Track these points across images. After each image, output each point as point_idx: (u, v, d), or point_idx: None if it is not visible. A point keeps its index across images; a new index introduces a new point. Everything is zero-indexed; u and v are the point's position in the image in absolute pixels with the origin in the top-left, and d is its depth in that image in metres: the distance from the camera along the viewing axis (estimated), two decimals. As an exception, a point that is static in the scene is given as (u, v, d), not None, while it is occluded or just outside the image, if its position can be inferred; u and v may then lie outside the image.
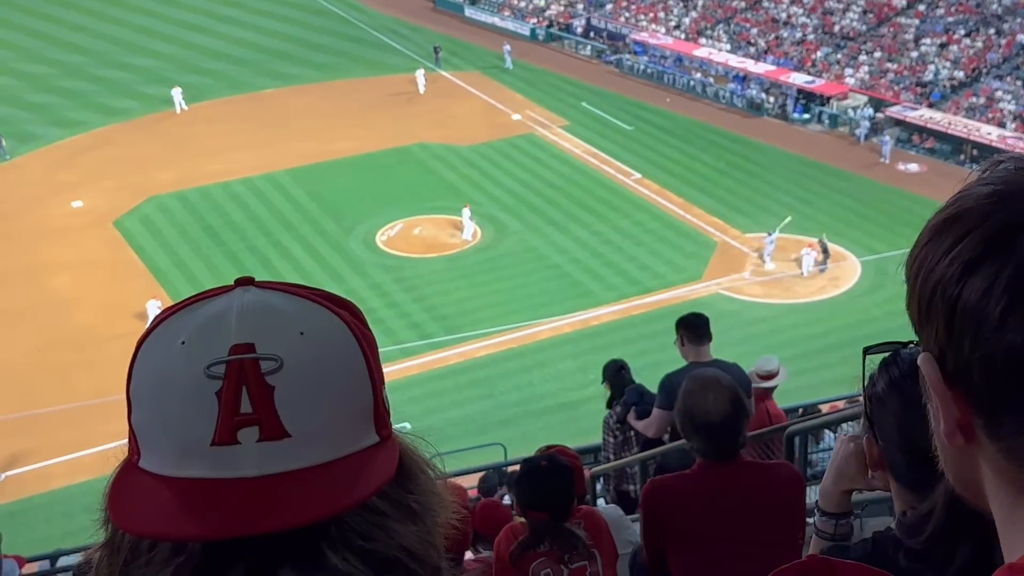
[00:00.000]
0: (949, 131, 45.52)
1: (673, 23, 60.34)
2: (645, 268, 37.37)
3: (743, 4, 59.55)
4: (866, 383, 2.69)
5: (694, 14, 60.47)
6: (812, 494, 5.09)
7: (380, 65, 57.69)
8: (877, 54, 52.75)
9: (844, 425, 7.90)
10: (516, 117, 50.75)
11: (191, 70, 56.90)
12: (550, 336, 33.46)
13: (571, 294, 35.75)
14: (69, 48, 59.75)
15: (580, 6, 64.14)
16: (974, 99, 47.67)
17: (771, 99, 50.72)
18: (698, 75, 54.08)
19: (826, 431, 10.07)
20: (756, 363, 10.04)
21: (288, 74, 56.64)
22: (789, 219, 38.16)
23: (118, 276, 36.87)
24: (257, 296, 1.18)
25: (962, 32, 51.86)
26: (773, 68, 52.86)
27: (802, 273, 36.69)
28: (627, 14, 62.28)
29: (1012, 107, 46.47)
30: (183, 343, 1.14)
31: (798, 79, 51.27)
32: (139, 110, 52.22)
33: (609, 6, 63.40)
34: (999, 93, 47.50)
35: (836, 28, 55.53)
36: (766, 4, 58.72)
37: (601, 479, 10.68)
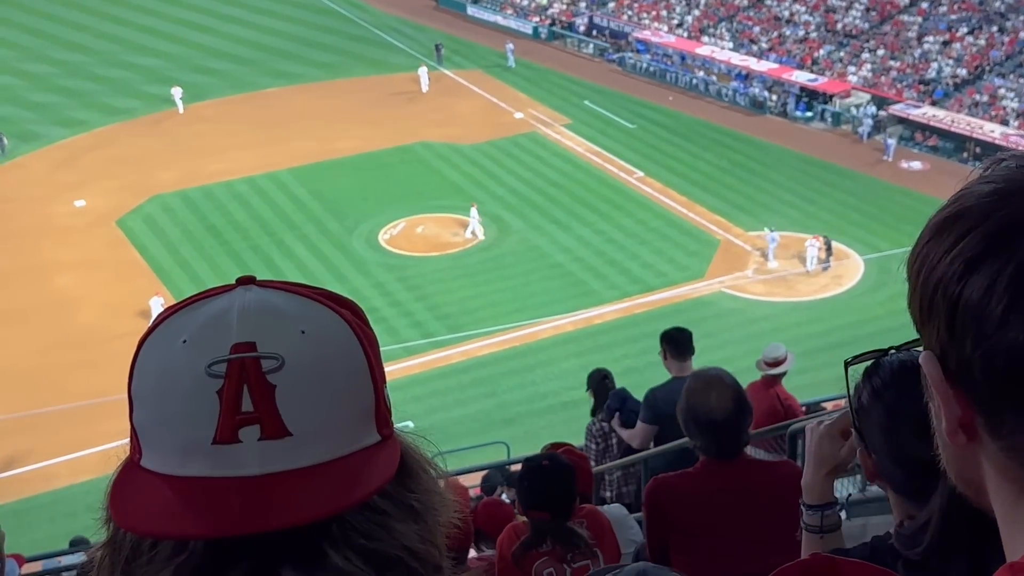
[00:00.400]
0: (952, 129, 45.48)
1: (676, 21, 60.32)
2: (648, 267, 37.35)
3: (745, 2, 59.51)
4: (852, 395, 2.68)
5: (696, 12, 60.43)
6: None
7: (382, 64, 57.69)
8: (880, 52, 52.70)
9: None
10: (519, 116, 50.74)
11: (193, 69, 56.92)
12: (553, 335, 33.46)
13: (574, 293, 35.74)
14: (71, 47, 59.79)
15: (583, 4, 64.12)
16: (977, 97, 47.62)
17: (773, 97, 50.69)
18: (701, 73, 54.05)
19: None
20: (764, 351, 10.17)
21: (290, 73, 56.66)
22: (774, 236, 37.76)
23: (121, 275, 36.89)
24: (258, 295, 1.19)
25: (965, 30, 51.81)
26: (776, 66, 52.83)
27: (807, 269, 36.64)
28: (629, 12, 62.25)
29: (1015, 105, 46.42)
30: (184, 342, 1.15)
31: (801, 77, 51.23)
32: (142, 109, 52.24)
33: (611, 4, 63.37)
34: (1002, 91, 47.45)
35: (839, 26, 55.48)
36: (768, 2, 58.67)
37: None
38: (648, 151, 46.53)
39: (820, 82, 50.76)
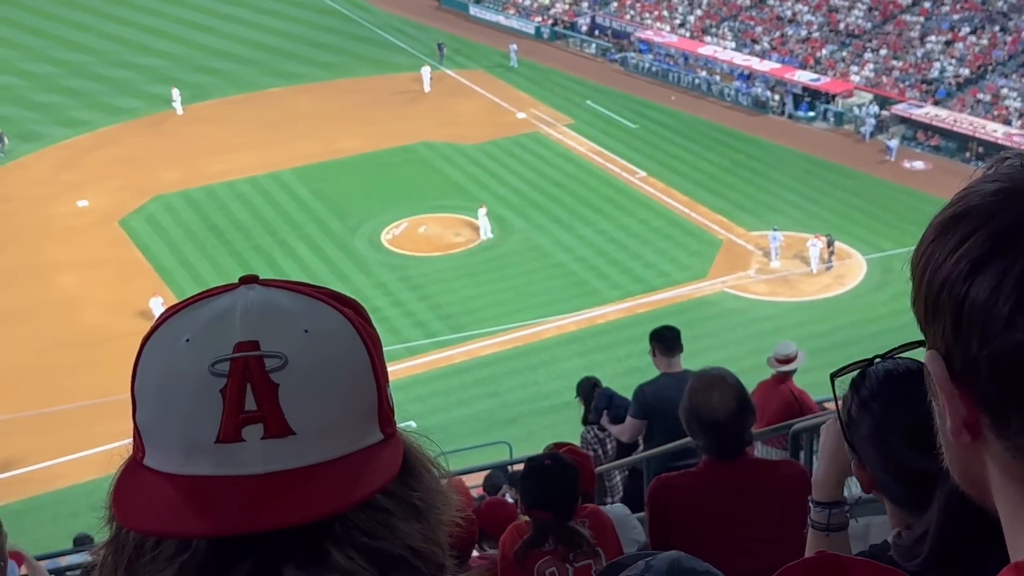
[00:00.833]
0: (955, 128, 45.45)
1: (678, 21, 60.30)
2: (650, 266, 37.35)
3: (748, 2, 59.48)
4: (840, 407, 2.67)
5: (699, 12, 60.42)
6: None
7: (385, 64, 57.70)
8: (882, 51, 52.67)
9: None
10: (521, 116, 50.73)
11: (196, 69, 56.95)
12: (555, 335, 33.45)
13: (576, 292, 35.74)
14: (74, 47, 59.83)
15: (585, 4, 64.11)
16: (980, 96, 47.59)
17: (776, 97, 50.68)
18: (703, 73, 54.04)
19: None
20: (774, 348, 10.31)
21: (293, 73, 56.68)
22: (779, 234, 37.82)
23: (123, 275, 36.91)
24: (261, 294, 1.19)
25: (967, 29, 51.77)
26: (778, 66, 52.81)
27: (811, 270, 36.60)
28: (632, 12, 62.24)
29: (1018, 104, 46.38)
30: (188, 341, 1.15)
31: (803, 77, 51.21)
32: (144, 109, 52.27)
33: (614, 4, 63.36)
34: (1005, 90, 47.42)
35: (841, 25, 55.46)
36: (771, 2, 58.65)
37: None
38: (650, 151, 46.52)
39: (822, 82, 50.74)
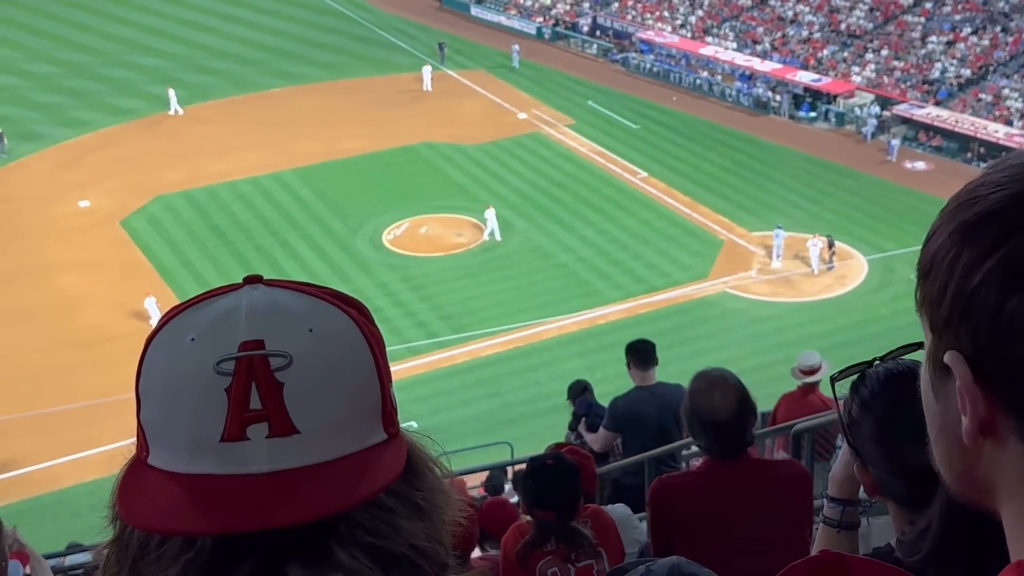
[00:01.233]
0: (956, 129, 45.44)
1: (679, 21, 60.29)
2: (651, 267, 37.34)
3: (749, 2, 59.47)
4: (841, 410, 2.68)
5: (700, 12, 60.42)
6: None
7: (386, 64, 57.70)
8: (884, 52, 52.66)
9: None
10: (522, 116, 50.74)
11: (197, 70, 56.97)
12: (557, 335, 33.46)
13: (577, 293, 35.74)
14: (75, 48, 59.84)
15: (586, 5, 64.10)
16: (981, 97, 47.58)
17: (777, 97, 50.67)
18: (704, 73, 54.03)
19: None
20: (798, 359, 10.43)
21: (294, 73, 56.69)
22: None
23: (125, 276, 36.92)
24: (266, 294, 1.19)
25: (969, 30, 51.76)
26: (779, 66, 52.80)
27: (812, 270, 36.59)
28: (633, 13, 62.24)
29: (1019, 105, 46.37)
30: (193, 340, 1.15)
31: (805, 77, 51.20)
32: (146, 110, 52.27)
33: (615, 5, 63.36)
34: (1006, 91, 47.40)
35: (843, 26, 55.45)
36: (772, 2, 58.64)
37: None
38: (652, 151, 46.51)
39: (824, 82, 50.73)
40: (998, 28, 51.31)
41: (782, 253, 37.26)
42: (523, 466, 6.75)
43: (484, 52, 59.16)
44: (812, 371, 10.14)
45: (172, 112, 51.84)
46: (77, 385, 30.39)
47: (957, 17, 52.82)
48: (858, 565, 1.24)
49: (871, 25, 54.85)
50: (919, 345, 1.13)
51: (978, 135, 44.51)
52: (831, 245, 36.94)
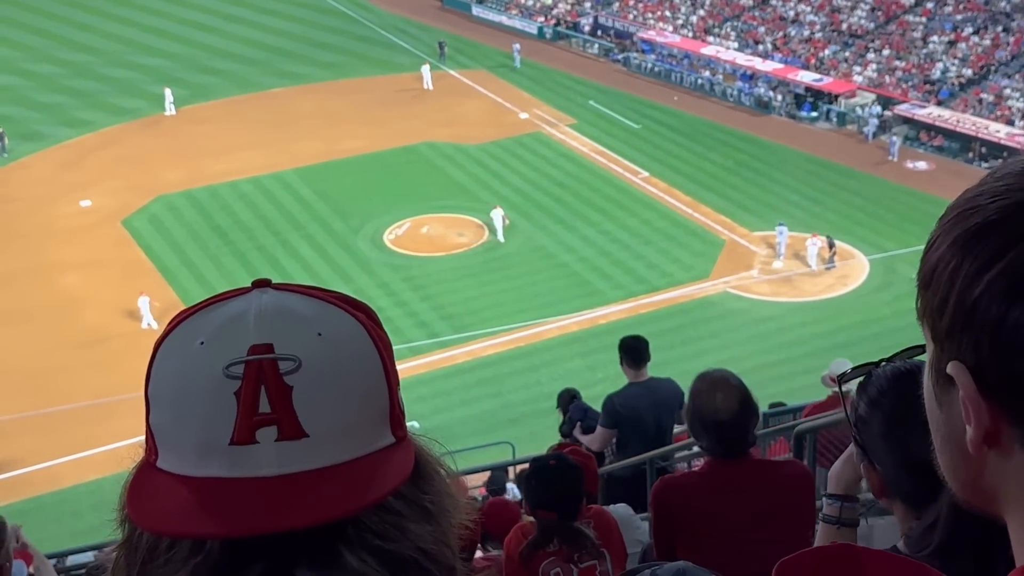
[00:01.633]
0: (957, 129, 45.41)
1: (680, 21, 60.28)
2: (653, 267, 37.34)
3: (751, 2, 59.46)
4: (848, 411, 2.69)
5: (701, 12, 60.39)
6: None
7: (387, 64, 57.70)
8: (885, 52, 52.64)
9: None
10: (523, 116, 50.74)
11: (199, 69, 56.99)
12: (558, 335, 33.46)
13: (579, 293, 35.73)
14: (77, 47, 59.86)
15: (587, 4, 64.08)
16: (983, 97, 47.55)
17: (779, 97, 50.66)
18: (706, 73, 54.02)
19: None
20: (830, 367, 10.56)
21: (295, 73, 56.69)
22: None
23: (126, 275, 36.92)
24: (275, 298, 1.19)
25: (970, 30, 51.74)
26: (781, 66, 52.78)
27: (811, 268, 36.60)
28: (634, 12, 62.23)
29: (1020, 105, 46.34)
30: (202, 343, 1.15)
31: (806, 77, 51.19)
32: (147, 109, 52.30)
33: (616, 4, 63.35)
34: (1007, 91, 47.38)
35: (844, 26, 55.43)
36: (774, 2, 58.62)
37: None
38: (653, 151, 46.51)
39: (825, 82, 50.71)
40: (999, 28, 51.28)
41: (785, 252, 37.26)
42: (525, 466, 6.75)
43: (485, 52, 59.16)
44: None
45: (167, 113, 51.81)
46: (78, 385, 30.40)
47: (958, 17, 52.80)
48: (870, 557, 1.24)
49: (872, 25, 54.84)
50: (923, 348, 1.13)
51: (979, 135, 44.49)
52: (831, 245, 36.94)
